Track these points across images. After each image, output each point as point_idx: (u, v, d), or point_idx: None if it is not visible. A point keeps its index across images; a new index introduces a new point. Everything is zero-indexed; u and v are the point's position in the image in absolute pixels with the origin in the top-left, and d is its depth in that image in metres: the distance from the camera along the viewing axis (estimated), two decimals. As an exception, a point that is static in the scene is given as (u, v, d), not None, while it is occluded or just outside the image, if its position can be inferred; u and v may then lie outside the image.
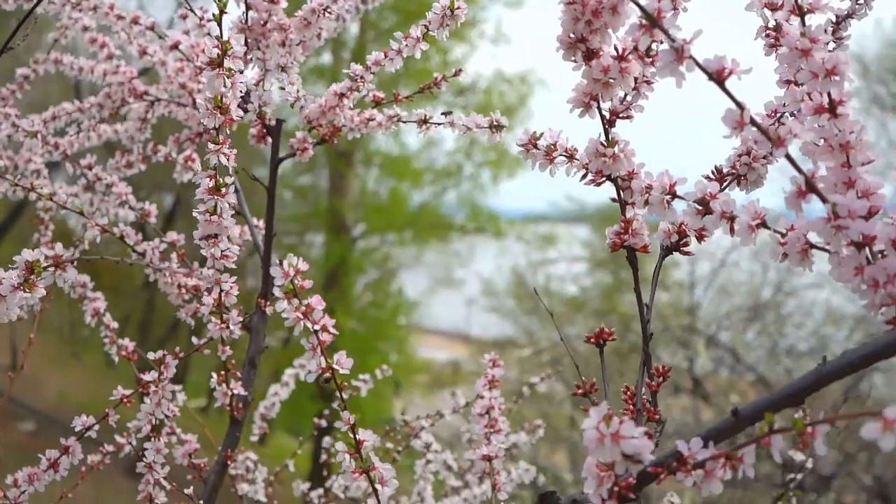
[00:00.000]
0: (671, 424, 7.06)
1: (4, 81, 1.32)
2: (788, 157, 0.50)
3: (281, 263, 0.59)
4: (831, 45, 0.71)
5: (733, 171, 0.67)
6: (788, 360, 6.76)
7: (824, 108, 0.53)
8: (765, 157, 0.66)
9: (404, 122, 0.95)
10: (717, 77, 0.50)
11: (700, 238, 0.66)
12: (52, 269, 0.66)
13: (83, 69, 1.23)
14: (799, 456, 1.09)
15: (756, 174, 0.67)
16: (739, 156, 0.67)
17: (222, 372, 0.94)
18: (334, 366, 0.62)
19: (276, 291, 0.60)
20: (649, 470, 0.53)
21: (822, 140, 0.54)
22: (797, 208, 0.52)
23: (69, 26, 1.25)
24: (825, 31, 0.70)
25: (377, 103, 0.98)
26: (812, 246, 0.53)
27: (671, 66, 0.49)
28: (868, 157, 0.53)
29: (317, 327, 0.61)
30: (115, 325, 1.09)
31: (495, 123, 0.83)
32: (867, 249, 0.50)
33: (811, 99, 0.54)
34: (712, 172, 0.68)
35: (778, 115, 0.68)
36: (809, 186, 0.51)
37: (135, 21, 1.09)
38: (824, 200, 0.50)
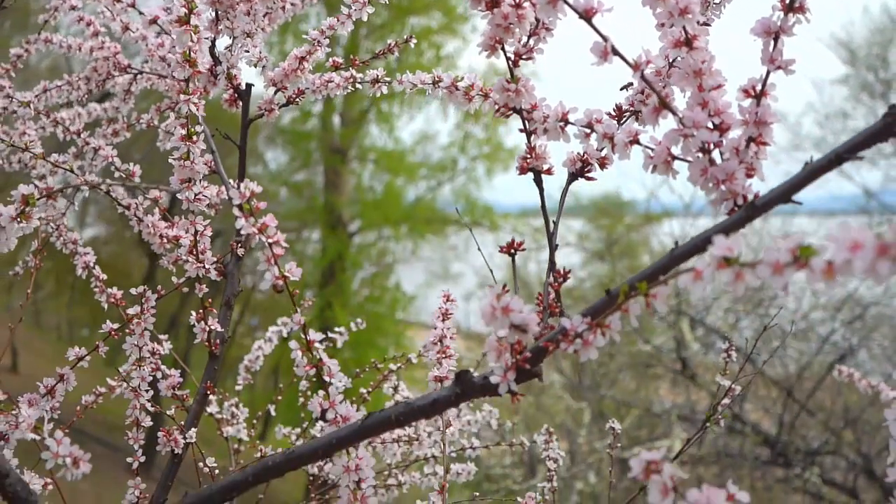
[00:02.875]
0: (670, 408, 7.19)
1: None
2: (643, 78, 0.61)
3: (238, 187, 0.70)
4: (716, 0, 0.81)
5: (631, 107, 0.78)
6: (776, 341, 6.89)
7: (682, 42, 0.64)
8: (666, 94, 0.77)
9: (359, 82, 1.06)
10: (586, 15, 0.60)
11: (602, 166, 0.77)
12: (44, 199, 0.77)
13: (71, 47, 1.34)
14: (725, 382, 1.20)
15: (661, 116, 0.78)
16: (636, 94, 0.78)
17: (200, 310, 1.05)
18: (286, 274, 0.73)
19: (240, 219, 0.71)
20: (542, 345, 0.63)
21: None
22: (654, 122, 0.63)
23: (58, 7, 1.35)
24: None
25: (336, 68, 1.09)
26: (674, 157, 0.64)
27: (547, 8, 0.60)
28: (718, 81, 0.64)
29: (271, 241, 0.72)
30: (104, 276, 1.20)
31: (437, 79, 0.93)
32: (711, 155, 0.61)
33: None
34: (613, 109, 0.79)
35: (670, 59, 0.79)
36: (663, 104, 0.62)
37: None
38: (675, 114, 0.61)
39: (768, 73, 0.62)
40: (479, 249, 1.15)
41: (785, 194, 0.57)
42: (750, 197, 0.60)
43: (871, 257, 0.39)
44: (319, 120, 11.56)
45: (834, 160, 0.56)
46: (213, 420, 1.36)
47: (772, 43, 0.62)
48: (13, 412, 0.74)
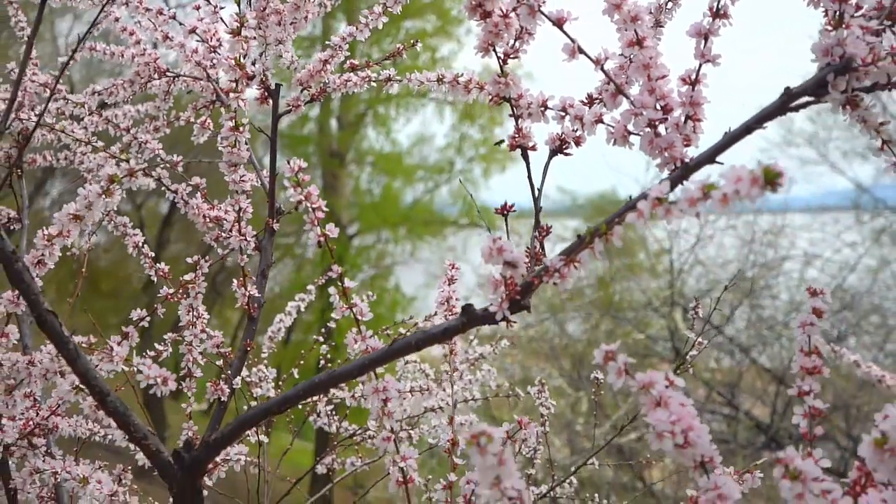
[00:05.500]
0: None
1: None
2: (604, 71, 0.79)
3: (288, 162, 0.88)
4: (670, 5, 0.99)
5: (599, 95, 0.96)
6: (768, 331, 7.10)
7: (634, 42, 0.82)
8: (625, 83, 0.95)
9: (374, 82, 1.24)
10: (558, 23, 0.79)
11: (577, 143, 0.95)
12: (127, 178, 0.95)
13: (114, 54, 1.51)
14: (691, 334, 1.37)
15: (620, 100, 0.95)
16: (603, 84, 0.96)
17: (241, 278, 1.23)
18: (326, 232, 0.91)
19: (286, 182, 0.89)
20: (529, 280, 0.81)
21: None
22: (613, 105, 0.81)
23: (101, 19, 1.53)
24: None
25: (353, 69, 1.27)
26: (629, 132, 0.82)
27: (528, 18, 0.78)
28: (663, 73, 0.81)
29: (314, 206, 0.90)
30: (152, 254, 1.38)
31: (440, 77, 1.11)
32: (657, 129, 0.79)
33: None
34: (586, 96, 0.97)
35: (627, 55, 0.96)
36: (618, 90, 0.80)
37: (160, 12, 1.37)
38: (628, 98, 0.79)
39: (700, 65, 0.80)
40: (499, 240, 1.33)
41: (710, 157, 0.75)
42: (687, 160, 0.78)
43: (747, 187, 0.57)
44: (317, 124, 11.74)
45: (745, 130, 0.74)
46: (243, 382, 1.53)
47: (702, 41, 0.80)
48: (106, 349, 0.91)
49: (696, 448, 0.65)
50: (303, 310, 1.75)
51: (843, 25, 0.71)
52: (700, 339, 1.36)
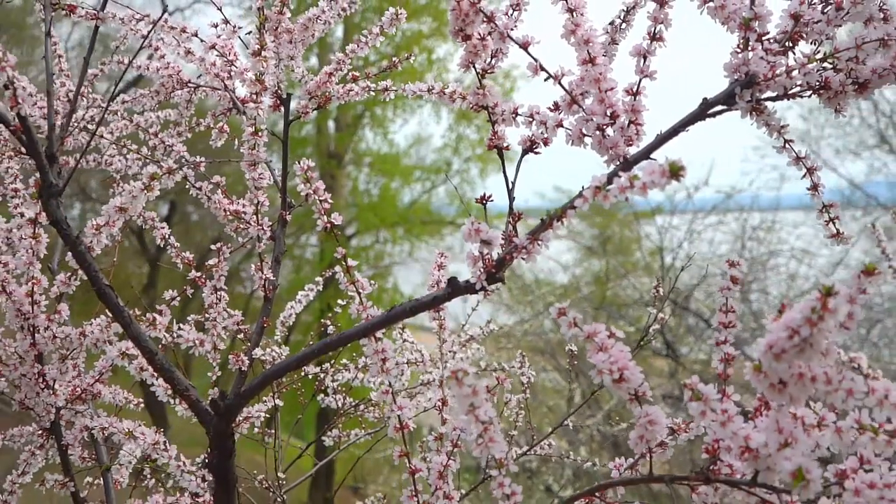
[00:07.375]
0: (659, 388, 7.57)
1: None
2: (561, 85, 0.97)
3: (298, 162, 1.06)
4: (623, 26, 1.17)
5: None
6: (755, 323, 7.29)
7: (587, 60, 0.99)
8: (583, 95, 1.13)
9: (373, 91, 1.42)
10: (523, 45, 0.96)
11: (545, 144, 1.13)
12: (165, 175, 1.13)
13: (140, 66, 1.69)
14: (653, 310, 1.55)
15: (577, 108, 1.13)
16: (563, 96, 1.14)
17: (258, 263, 1.41)
18: (331, 220, 1.08)
19: (297, 178, 1.07)
20: (503, 256, 0.99)
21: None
22: (569, 112, 0.99)
23: (127, 35, 1.71)
24: (619, 16, 1.17)
25: (354, 80, 1.45)
26: (584, 134, 1.00)
27: (500, 41, 0.96)
28: (611, 85, 0.99)
29: (321, 198, 1.07)
30: (177, 245, 1.56)
31: (430, 88, 1.29)
32: (606, 132, 0.97)
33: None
34: (553, 104, 1.14)
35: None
36: (573, 100, 0.98)
37: (183, 30, 1.55)
38: (580, 106, 0.97)
39: (640, 80, 0.98)
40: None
41: (645, 154, 0.93)
42: (628, 157, 0.96)
43: (658, 177, 0.75)
44: (315, 126, 11.91)
45: (672, 132, 0.92)
46: (259, 362, 1.71)
47: (642, 60, 0.97)
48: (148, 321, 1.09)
49: (630, 383, 0.83)
50: (311, 298, 1.92)
51: (748, 48, 0.89)
52: (662, 315, 1.54)
